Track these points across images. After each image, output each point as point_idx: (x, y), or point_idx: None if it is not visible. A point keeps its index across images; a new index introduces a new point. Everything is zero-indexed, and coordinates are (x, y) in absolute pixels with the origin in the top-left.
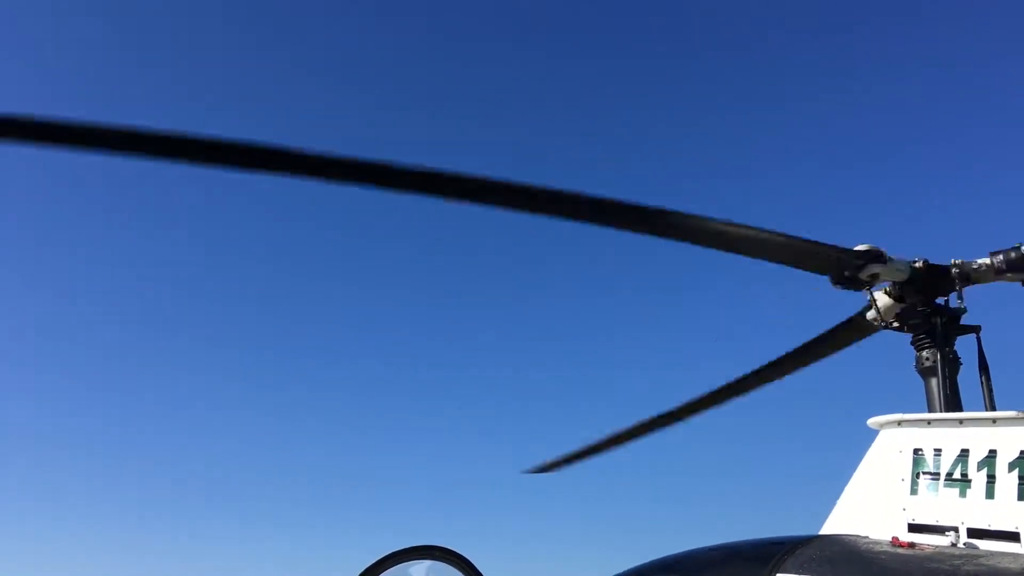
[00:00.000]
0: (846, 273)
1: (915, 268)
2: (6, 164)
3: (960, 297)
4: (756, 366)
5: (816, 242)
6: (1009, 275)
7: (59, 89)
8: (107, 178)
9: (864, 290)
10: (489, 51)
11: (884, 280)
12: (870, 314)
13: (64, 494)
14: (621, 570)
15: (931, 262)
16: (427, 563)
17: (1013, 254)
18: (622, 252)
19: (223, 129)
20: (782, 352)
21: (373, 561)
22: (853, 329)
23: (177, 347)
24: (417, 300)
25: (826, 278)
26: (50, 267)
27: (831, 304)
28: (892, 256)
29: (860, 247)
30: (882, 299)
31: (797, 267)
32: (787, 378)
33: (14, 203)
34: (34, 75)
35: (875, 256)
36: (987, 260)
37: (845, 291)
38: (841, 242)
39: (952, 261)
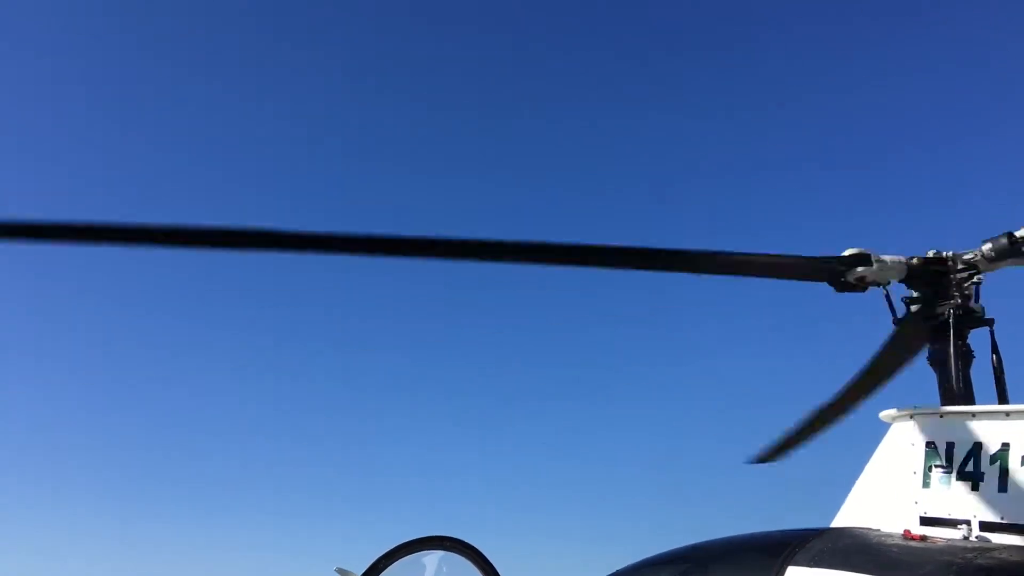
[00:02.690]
0: (841, 279)
1: (911, 265)
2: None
3: (975, 290)
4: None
5: (804, 257)
6: (1010, 260)
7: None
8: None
9: (865, 291)
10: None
11: (879, 279)
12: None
13: (64, 491)
14: (634, 561)
15: (928, 256)
16: (439, 553)
17: (1004, 240)
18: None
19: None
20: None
21: (385, 551)
22: (903, 340)
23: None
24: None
25: (830, 287)
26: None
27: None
28: (883, 256)
29: (847, 252)
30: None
31: (799, 280)
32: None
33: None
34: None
35: (861, 259)
36: (980, 249)
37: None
38: (844, 241)
39: (946, 253)
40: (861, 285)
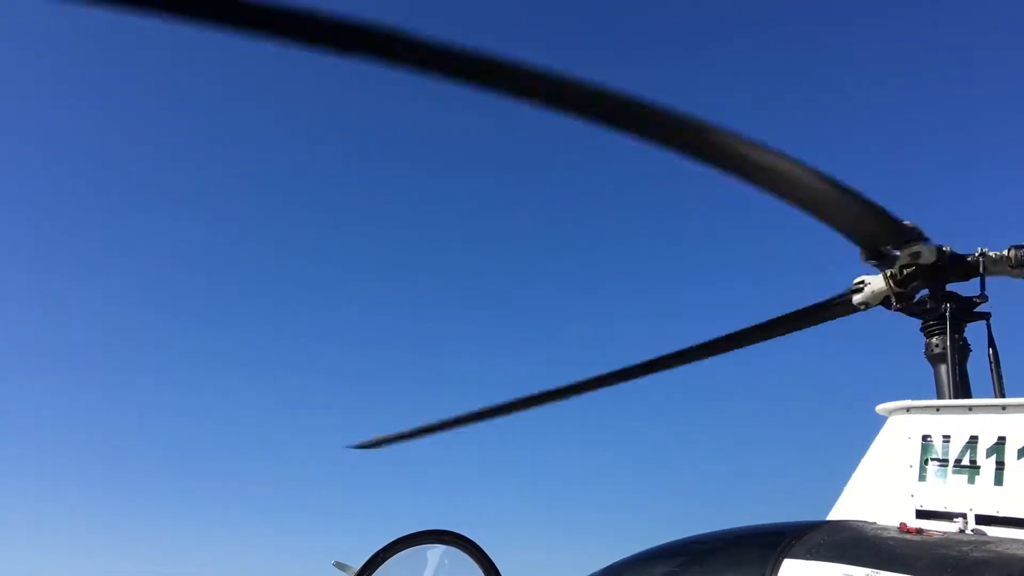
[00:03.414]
0: (884, 247)
1: (942, 252)
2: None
3: (983, 285)
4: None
5: (868, 199)
6: (1014, 272)
7: None
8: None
9: (887, 271)
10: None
11: (917, 262)
12: (858, 297)
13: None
14: (630, 554)
15: (952, 249)
16: (437, 547)
17: (1008, 252)
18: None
19: None
20: (752, 321)
21: (383, 545)
22: (836, 310)
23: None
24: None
25: (861, 248)
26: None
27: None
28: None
29: (906, 222)
30: (877, 283)
31: (832, 225)
32: (761, 345)
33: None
34: None
35: (918, 235)
36: (1006, 253)
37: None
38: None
39: (978, 250)
40: (895, 261)
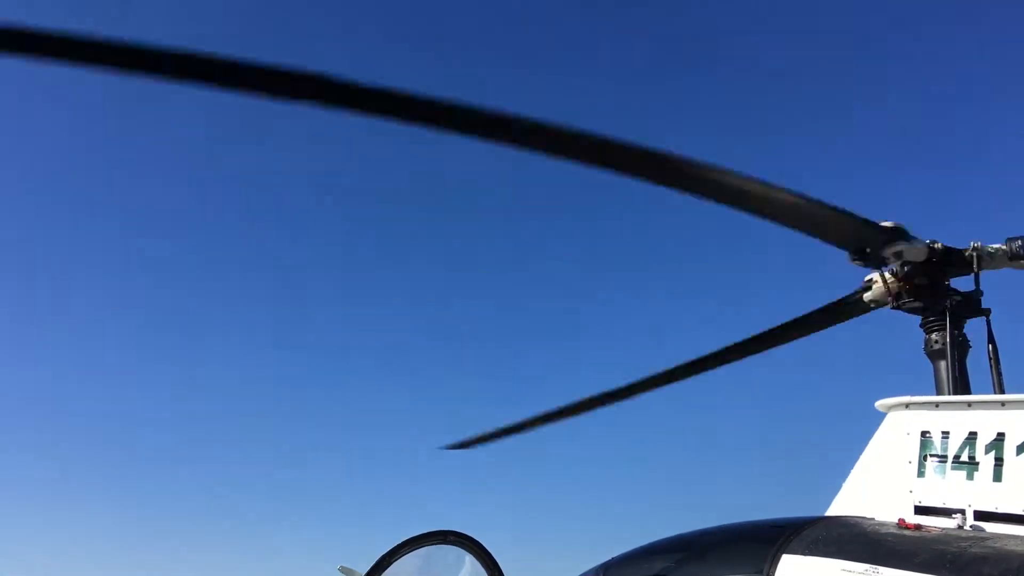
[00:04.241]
0: (867, 249)
1: (933, 248)
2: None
3: (976, 281)
4: (734, 340)
5: (842, 210)
6: (1011, 263)
7: None
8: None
9: (879, 269)
10: None
11: (904, 259)
12: (868, 295)
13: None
14: (628, 549)
15: (946, 244)
16: (443, 548)
17: (1006, 244)
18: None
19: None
20: (764, 327)
21: (390, 547)
22: (848, 309)
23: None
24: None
25: (844, 253)
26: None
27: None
28: (913, 235)
29: (885, 223)
30: (880, 281)
31: (815, 236)
32: (775, 351)
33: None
34: None
35: (900, 234)
36: (1003, 246)
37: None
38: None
39: (971, 244)
40: (883, 260)
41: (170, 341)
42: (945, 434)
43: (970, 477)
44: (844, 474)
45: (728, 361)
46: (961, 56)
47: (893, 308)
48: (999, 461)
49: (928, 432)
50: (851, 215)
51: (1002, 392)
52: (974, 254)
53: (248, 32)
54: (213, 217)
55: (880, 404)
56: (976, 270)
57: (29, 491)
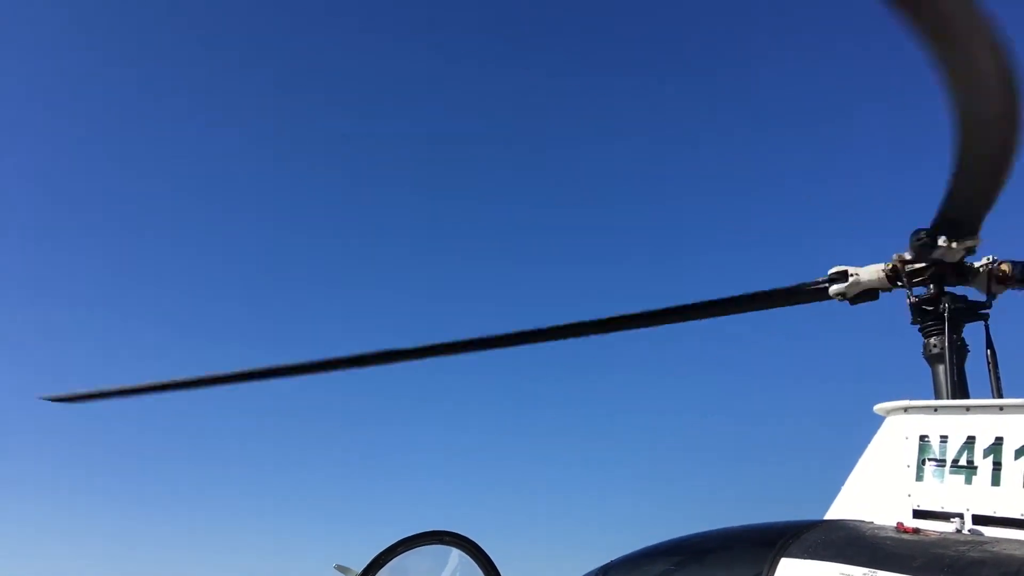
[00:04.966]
0: (829, 296)
1: (890, 271)
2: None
3: (989, 293)
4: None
5: (800, 285)
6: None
7: None
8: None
9: (883, 269)
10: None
11: (861, 289)
12: (835, 288)
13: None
14: (627, 552)
15: (924, 252)
16: (438, 548)
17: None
18: None
19: None
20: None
21: (385, 548)
22: (806, 294)
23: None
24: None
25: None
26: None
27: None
28: (859, 270)
29: (830, 271)
30: (866, 276)
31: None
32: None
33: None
34: None
35: (838, 276)
36: (1008, 269)
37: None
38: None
39: (940, 250)
40: (862, 297)
41: (170, 340)
42: (943, 438)
43: (968, 481)
44: (843, 478)
45: (689, 318)
46: None
47: (902, 293)
48: (997, 465)
49: (927, 436)
50: (805, 284)
51: (1000, 397)
52: (980, 268)
53: (248, 33)
54: (214, 217)
55: (879, 408)
56: (974, 276)
57: (29, 491)
